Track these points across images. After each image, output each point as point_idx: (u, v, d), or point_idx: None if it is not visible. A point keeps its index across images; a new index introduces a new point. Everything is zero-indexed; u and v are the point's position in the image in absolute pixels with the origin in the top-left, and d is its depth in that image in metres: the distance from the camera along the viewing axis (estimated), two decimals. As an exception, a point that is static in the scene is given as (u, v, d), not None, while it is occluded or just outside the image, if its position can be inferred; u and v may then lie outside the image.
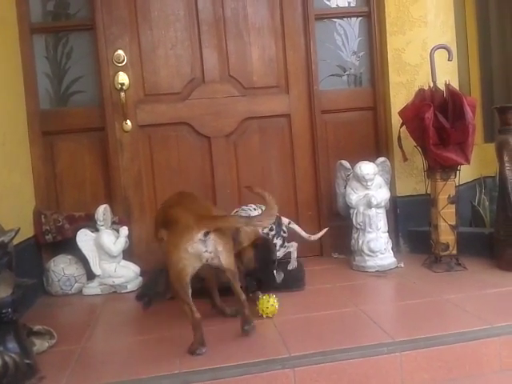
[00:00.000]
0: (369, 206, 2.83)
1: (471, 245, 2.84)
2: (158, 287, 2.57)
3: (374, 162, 2.90)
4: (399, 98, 3.13)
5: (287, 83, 3.22)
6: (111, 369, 1.86)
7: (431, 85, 2.80)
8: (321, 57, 3.25)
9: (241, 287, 2.03)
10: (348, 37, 3.32)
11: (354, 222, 2.88)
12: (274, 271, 2.44)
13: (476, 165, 3.38)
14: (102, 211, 2.81)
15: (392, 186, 3.07)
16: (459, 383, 1.82)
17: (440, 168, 2.72)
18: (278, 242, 2.74)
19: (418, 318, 2.09)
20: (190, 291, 1.89)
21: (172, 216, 1.99)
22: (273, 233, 2.72)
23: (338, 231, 3.08)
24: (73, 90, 3.14)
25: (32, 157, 2.98)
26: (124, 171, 3.09)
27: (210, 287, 2.27)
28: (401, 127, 2.86)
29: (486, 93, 3.80)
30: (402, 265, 2.85)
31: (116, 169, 3.08)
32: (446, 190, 2.72)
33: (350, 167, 2.94)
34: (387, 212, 2.93)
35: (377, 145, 3.29)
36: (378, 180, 2.88)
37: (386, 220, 2.88)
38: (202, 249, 1.87)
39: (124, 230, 2.84)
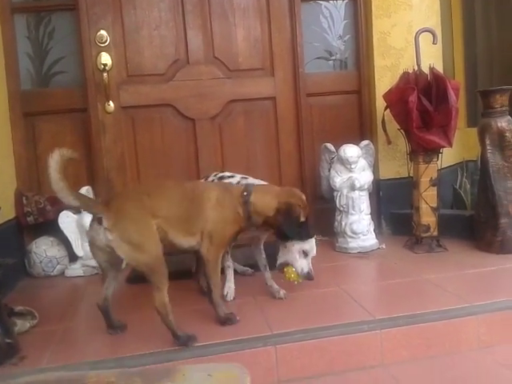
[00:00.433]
0: (352, 188, 2.84)
1: (452, 227, 2.88)
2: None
3: (358, 145, 2.91)
4: (384, 81, 3.14)
5: (272, 65, 3.21)
6: (93, 348, 1.87)
7: (416, 68, 2.82)
8: (306, 39, 3.24)
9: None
10: (334, 19, 3.31)
11: (338, 205, 2.90)
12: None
13: (459, 149, 3.42)
14: (85, 193, 2.78)
15: (375, 169, 3.09)
16: (438, 360, 1.85)
17: (423, 151, 2.74)
18: None
19: (399, 297, 2.12)
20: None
21: None
22: None
23: (321, 214, 3.09)
24: (55, 71, 3.09)
25: (13, 138, 2.93)
26: (107, 153, 3.06)
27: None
28: (385, 110, 2.88)
29: (469, 77, 3.82)
30: (384, 246, 2.89)
31: (98, 150, 3.04)
32: (428, 172, 2.74)
33: (334, 150, 2.95)
34: (370, 194, 2.95)
35: (361, 128, 3.30)
36: (362, 163, 2.90)
37: (368, 202, 2.90)
38: (95, 236, 1.82)
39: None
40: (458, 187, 3.29)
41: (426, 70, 2.77)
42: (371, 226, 2.90)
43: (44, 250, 2.80)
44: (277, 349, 1.78)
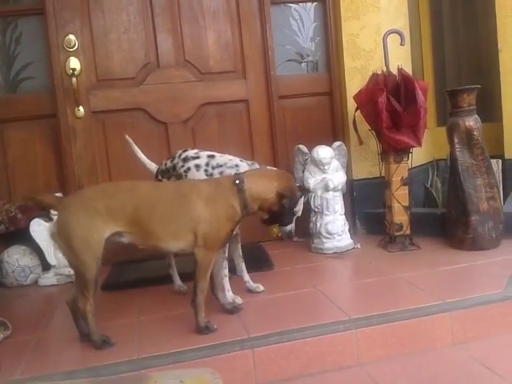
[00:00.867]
0: (326, 189, 2.87)
1: (424, 225, 2.93)
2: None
3: (330, 146, 2.93)
4: (354, 82, 3.17)
5: (244, 68, 3.22)
6: (67, 357, 1.83)
7: (384, 69, 2.85)
8: (277, 42, 3.26)
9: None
10: (304, 22, 3.34)
11: (312, 206, 2.91)
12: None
13: (429, 148, 3.48)
14: (56, 200, 2.74)
15: (348, 170, 3.12)
16: (413, 358, 1.87)
17: (393, 151, 2.78)
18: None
19: (373, 295, 2.14)
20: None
21: None
22: None
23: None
24: (22, 77, 3.04)
25: (-19, 146, 2.88)
26: (77, 159, 3.02)
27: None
28: (356, 111, 2.90)
29: (438, 77, 3.89)
30: (359, 246, 2.91)
31: (69, 157, 3.00)
32: (399, 172, 2.78)
33: (307, 152, 2.97)
34: (344, 195, 2.98)
35: (333, 129, 3.33)
36: (335, 164, 2.92)
37: (342, 203, 2.93)
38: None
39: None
40: (429, 186, 3.35)
41: (394, 71, 2.80)
42: (346, 226, 2.92)
43: (16, 259, 2.74)
44: (254, 352, 1.78)
